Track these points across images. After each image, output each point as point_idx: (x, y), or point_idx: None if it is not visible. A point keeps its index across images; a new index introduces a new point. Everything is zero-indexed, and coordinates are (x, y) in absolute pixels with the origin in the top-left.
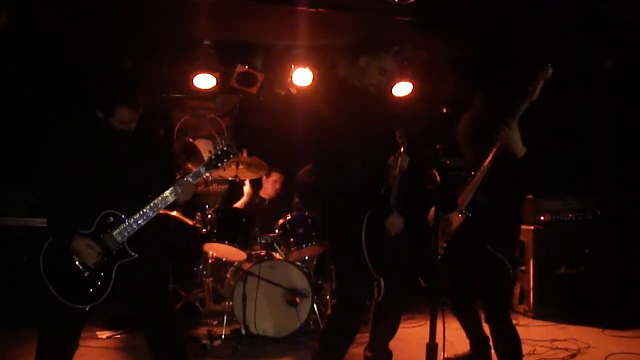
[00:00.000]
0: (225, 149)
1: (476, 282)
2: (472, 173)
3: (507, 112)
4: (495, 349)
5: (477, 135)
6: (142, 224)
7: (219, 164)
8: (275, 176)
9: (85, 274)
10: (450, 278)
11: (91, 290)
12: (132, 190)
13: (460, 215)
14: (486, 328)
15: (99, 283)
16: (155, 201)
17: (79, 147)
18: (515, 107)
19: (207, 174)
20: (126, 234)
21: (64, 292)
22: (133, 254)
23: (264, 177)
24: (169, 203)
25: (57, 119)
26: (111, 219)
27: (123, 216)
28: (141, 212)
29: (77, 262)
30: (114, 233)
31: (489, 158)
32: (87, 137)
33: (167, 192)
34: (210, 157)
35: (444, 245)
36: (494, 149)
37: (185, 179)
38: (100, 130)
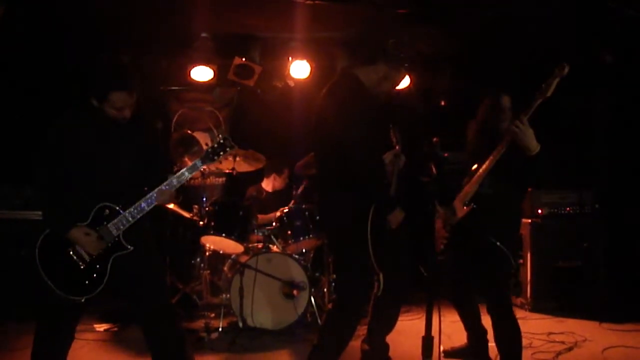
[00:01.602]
0: (222, 141)
1: (478, 273)
2: (477, 165)
3: (519, 108)
4: (495, 340)
5: (484, 129)
6: (138, 216)
7: (216, 157)
8: (287, 172)
9: (81, 266)
10: (454, 270)
11: (87, 282)
12: (127, 183)
13: (465, 208)
14: (485, 321)
15: (95, 275)
16: (152, 194)
17: (75, 141)
18: (528, 104)
19: (205, 167)
20: (122, 227)
21: (60, 284)
22: (129, 246)
23: (275, 175)
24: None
25: (54, 113)
26: (107, 211)
27: (119, 208)
28: (137, 205)
29: (72, 254)
30: (110, 225)
31: (497, 151)
32: (83, 131)
33: (163, 185)
34: (207, 150)
35: (446, 235)
36: (503, 143)
37: (181, 172)
38: (96, 123)
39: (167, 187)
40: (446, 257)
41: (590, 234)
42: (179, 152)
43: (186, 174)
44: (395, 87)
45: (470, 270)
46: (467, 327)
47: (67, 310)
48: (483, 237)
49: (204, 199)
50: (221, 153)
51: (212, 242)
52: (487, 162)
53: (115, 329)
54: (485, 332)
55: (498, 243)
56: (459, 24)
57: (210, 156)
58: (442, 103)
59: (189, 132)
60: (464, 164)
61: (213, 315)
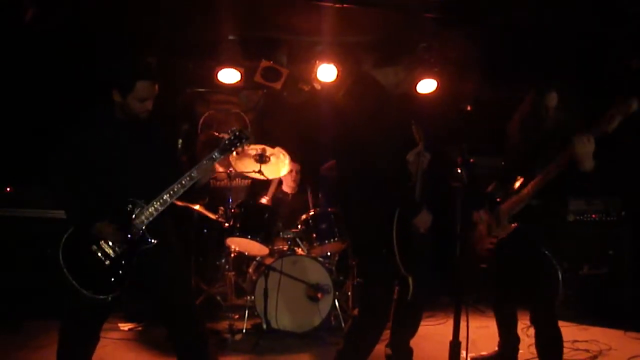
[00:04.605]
0: (237, 133)
1: (524, 283)
2: (522, 179)
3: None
4: (537, 347)
5: (525, 126)
6: (161, 208)
7: (232, 148)
8: (291, 166)
9: (106, 263)
10: (497, 279)
11: (112, 279)
12: (148, 179)
13: (512, 225)
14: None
15: (120, 272)
16: (173, 187)
17: (95, 138)
18: (593, 128)
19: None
20: (145, 220)
21: (85, 283)
22: (153, 240)
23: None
24: (187, 188)
25: (76, 112)
26: (130, 206)
27: (142, 202)
28: (159, 197)
29: (97, 251)
30: (134, 218)
31: (555, 165)
32: (104, 128)
33: (184, 178)
34: (224, 142)
35: (491, 246)
36: (563, 157)
37: (200, 163)
38: (117, 120)
39: (188, 178)
40: (489, 265)
41: (616, 241)
42: (205, 153)
43: (205, 162)
44: (411, 88)
45: (516, 280)
46: (502, 334)
47: (92, 311)
48: (532, 248)
49: (230, 201)
50: (237, 144)
51: (237, 244)
52: (540, 176)
53: (140, 328)
54: (518, 340)
55: (547, 254)
56: (487, 28)
57: (228, 147)
58: (469, 108)
59: (216, 133)
60: (505, 164)
61: (237, 316)
